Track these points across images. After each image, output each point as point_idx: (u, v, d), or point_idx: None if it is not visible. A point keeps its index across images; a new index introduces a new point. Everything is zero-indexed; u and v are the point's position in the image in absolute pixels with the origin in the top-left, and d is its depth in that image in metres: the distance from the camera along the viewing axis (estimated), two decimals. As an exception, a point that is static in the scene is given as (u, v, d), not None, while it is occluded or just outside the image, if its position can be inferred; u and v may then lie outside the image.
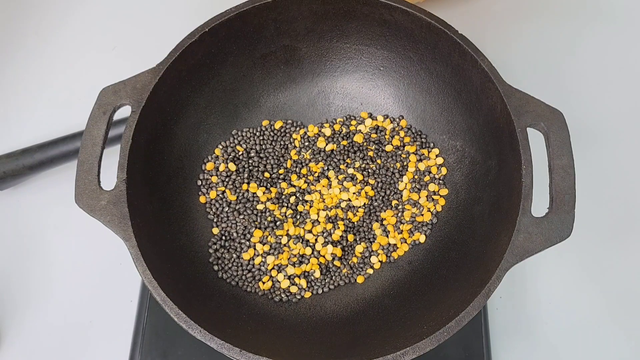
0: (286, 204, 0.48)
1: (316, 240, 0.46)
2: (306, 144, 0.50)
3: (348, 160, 0.49)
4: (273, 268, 0.45)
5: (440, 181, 0.48)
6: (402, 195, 0.48)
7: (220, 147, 0.49)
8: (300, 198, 0.48)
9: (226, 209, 0.47)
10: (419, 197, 0.48)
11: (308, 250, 0.46)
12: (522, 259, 0.35)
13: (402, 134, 0.50)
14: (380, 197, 0.48)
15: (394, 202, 0.48)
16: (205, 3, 0.62)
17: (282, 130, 0.51)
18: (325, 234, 0.46)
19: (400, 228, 0.47)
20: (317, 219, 0.47)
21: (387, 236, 0.47)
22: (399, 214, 0.47)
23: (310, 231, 0.46)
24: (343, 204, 0.48)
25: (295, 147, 0.50)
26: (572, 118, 0.41)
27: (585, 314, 0.49)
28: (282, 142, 0.50)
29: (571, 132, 0.39)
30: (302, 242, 0.46)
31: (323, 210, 0.47)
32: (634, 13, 0.64)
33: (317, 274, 0.45)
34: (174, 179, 0.45)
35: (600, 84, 0.60)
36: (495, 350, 0.47)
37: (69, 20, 0.64)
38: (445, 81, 0.46)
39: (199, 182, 0.48)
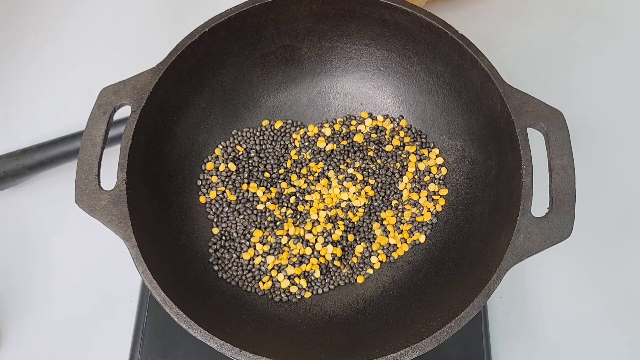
0: (286, 204, 0.48)
1: (316, 240, 0.46)
2: (306, 144, 0.50)
3: (348, 160, 0.49)
4: (273, 268, 0.45)
5: (440, 181, 0.48)
6: (402, 195, 0.48)
7: (220, 147, 0.49)
8: (300, 198, 0.48)
9: (226, 209, 0.47)
10: (419, 197, 0.48)
11: (308, 250, 0.46)
12: (522, 259, 0.35)
13: (402, 134, 0.50)
14: (380, 197, 0.48)
15: (394, 202, 0.48)
16: (205, 3, 0.62)
17: (282, 130, 0.51)
18: (325, 234, 0.46)
19: (400, 228, 0.47)
20: (317, 219, 0.47)
21: (387, 236, 0.47)
22: (399, 214, 0.47)
23: (310, 231, 0.46)
24: (343, 204, 0.48)
25: (295, 147, 0.50)
26: (572, 118, 0.41)
27: (585, 314, 0.49)
28: (282, 142, 0.50)
29: (571, 132, 0.39)
30: (302, 242, 0.46)
31: (323, 210, 0.47)
32: (633, 13, 0.64)
33: (317, 274, 0.45)
34: (174, 179, 0.45)
35: (600, 83, 0.60)
36: (495, 350, 0.47)
37: (69, 20, 0.64)
38: (445, 81, 0.46)
39: (199, 182, 0.48)
